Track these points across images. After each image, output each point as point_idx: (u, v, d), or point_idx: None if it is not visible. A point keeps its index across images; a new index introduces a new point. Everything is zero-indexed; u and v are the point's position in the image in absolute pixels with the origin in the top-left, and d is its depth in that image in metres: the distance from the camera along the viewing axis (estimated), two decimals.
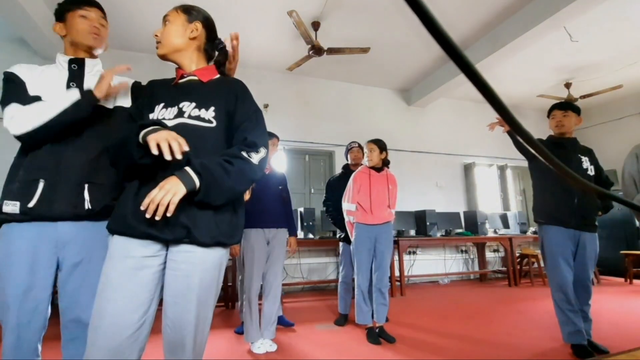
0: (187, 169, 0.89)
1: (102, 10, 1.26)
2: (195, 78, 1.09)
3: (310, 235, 4.34)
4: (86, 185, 1.13)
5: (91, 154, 1.15)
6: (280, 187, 2.50)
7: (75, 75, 1.20)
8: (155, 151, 0.85)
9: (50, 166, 1.10)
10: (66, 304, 1.11)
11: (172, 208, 0.84)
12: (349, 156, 3.20)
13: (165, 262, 0.96)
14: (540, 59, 4.90)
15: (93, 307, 0.90)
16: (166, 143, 0.85)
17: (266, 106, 4.99)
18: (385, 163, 2.71)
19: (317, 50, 3.84)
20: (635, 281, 4.85)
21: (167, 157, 0.85)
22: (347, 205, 2.67)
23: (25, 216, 1.06)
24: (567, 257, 2.17)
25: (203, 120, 1.01)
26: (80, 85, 1.18)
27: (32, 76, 1.16)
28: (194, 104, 1.03)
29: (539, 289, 4.58)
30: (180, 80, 1.10)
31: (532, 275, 5.08)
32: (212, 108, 1.03)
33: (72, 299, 1.10)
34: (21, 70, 1.16)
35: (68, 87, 1.17)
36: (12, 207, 1.06)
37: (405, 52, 4.72)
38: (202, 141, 0.98)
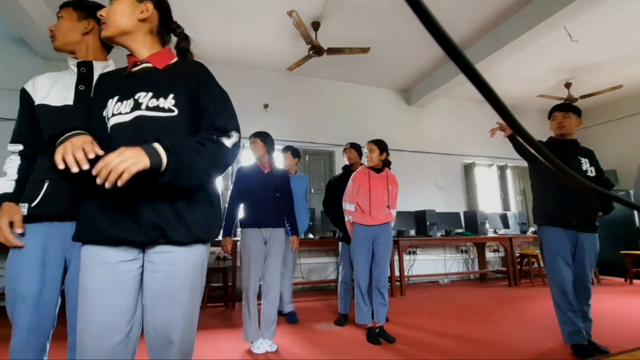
0: (156, 144, 0.80)
1: (61, 6, 1.25)
2: (150, 65, 0.99)
3: (310, 235, 4.35)
4: None
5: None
6: (279, 187, 2.50)
7: (84, 78, 1.21)
8: (61, 165, 0.74)
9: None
10: (73, 306, 1.11)
11: (125, 177, 0.73)
12: (345, 156, 3.23)
13: (143, 265, 0.93)
14: (540, 59, 4.90)
15: (77, 317, 0.88)
16: (70, 155, 0.74)
17: (266, 106, 4.99)
18: (386, 164, 2.71)
19: (317, 50, 3.84)
20: (635, 281, 4.85)
21: (74, 169, 0.74)
22: (347, 206, 2.68)
23: (33, 216, 1.09)
24: (566, 257, 2.17)
25: (163, 110, 0.92)
26: (88, 87, 1.20)
27: (47, 84, 1.20)
28: (150, 94, 0.93)
29: (539, 289, 4.58)
30: (134, 69, 1.00)
31: (532, 275, 5.09)
32: (172, 95, 0.94)
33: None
34: (35, 84, 1.20)
35: (77, 89, 1.20)
36: (22, 209, 1.10)
37: (405, 52, 4.72)
38: (165, 133, 0.89)
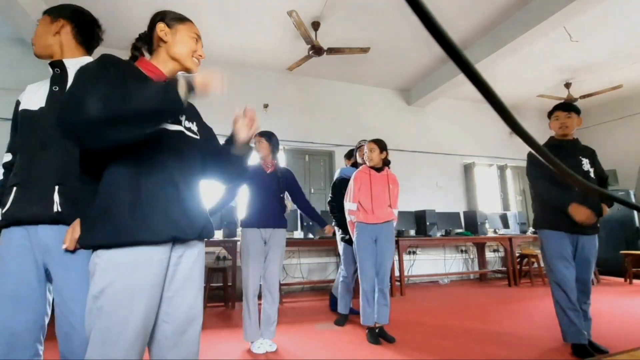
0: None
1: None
2: None
3: (310, 235, 4.35)
4: (56, 187, 1.08)
5: (65, 155, 1.09)
6: (284, 187, 2.49)
7: (58, 78, 1.17)
8: (217, 89, 0.92)
9: (23, 170, 1.09)
10: (73, 317, 1.06)
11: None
12: (357, 155, 3.21)
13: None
14: (540, 59, 4.90)
15: (108, 316, 0.84)
16: (216, 77, 0.92)
17: (266, 106, 4.98)
18: (386, 163, 2.72)
19: (317, 50, 3.84)
20: (635, 281, 4.85)
21: (219, 91, 0.93)
22: (349, 205, 2.67)
23: (4, 221, 1.07)
24: (567, 256, 2.17)
25: (194, 132, 1.09)
26: (62, 88, 1.15)
27: (33, 91, 1.19)
28: (184, 115, 1.06)
29: (539, 289, 4.58)
30: None
31: (532, 275, 5.09)
32: (195, 122, 1.11)
33: (66, 308, 1.07)
34: (25, 92, 1.21)
35: (51, 90, 1.15)
36: None
37: (405, 52, 4.72)
38: (194, 153, 1.06)
